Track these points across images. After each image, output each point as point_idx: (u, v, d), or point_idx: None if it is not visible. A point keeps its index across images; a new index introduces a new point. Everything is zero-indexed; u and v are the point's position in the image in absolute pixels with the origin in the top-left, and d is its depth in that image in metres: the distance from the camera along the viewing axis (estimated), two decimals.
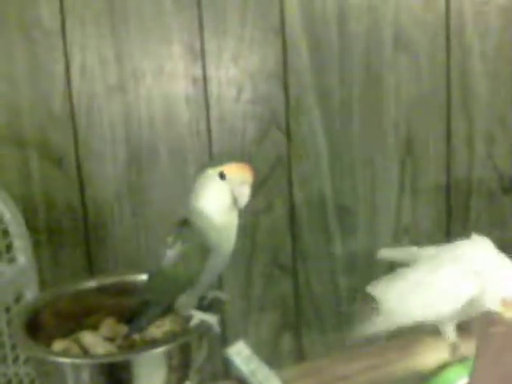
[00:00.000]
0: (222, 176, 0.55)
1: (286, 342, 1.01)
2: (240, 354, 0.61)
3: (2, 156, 0.93)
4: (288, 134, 0.95)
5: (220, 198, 0.55)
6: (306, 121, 0.95)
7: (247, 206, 0.57)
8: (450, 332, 0.70)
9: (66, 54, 0.91)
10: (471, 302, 0.66)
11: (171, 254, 0.54)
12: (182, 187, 0.95)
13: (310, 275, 0.99)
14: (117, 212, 0.95)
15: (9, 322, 0.83)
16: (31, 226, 0.85)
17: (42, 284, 0.84)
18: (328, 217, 0.98)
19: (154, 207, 0.95)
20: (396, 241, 0.99)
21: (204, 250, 0.54)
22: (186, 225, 0.55)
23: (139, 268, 0.87)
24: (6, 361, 0.85)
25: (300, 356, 1.01)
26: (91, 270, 0.95)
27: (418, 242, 0.98)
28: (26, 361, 0.86)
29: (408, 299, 0.72)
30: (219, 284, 0.93)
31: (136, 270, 0.63)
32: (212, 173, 0.55)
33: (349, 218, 0.98)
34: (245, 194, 0.55)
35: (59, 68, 0.91)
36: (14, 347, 0.85)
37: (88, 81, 0.92)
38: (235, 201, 0.55)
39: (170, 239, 0.55)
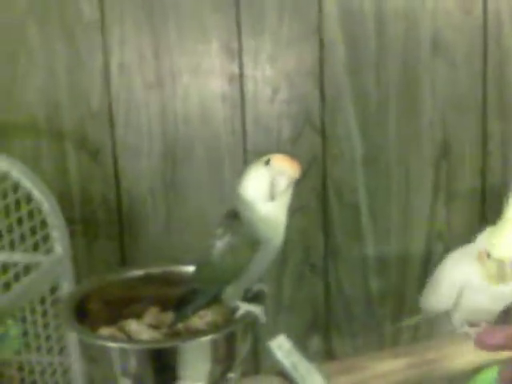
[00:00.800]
0: (266, 162, 0.55)
1: (315, 342, 1.00)
2: (281, 347, 0.60)
3: (40, 148, 0.93)
4: (323, 134, 0.95)
5: (259, 184, 0.54)
6: (342, 121, 0.95)
7: (289, 203, 0.57)
8: (457, 322, 0.74)
9: (105, 50, 0.92)
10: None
11: (220, 245, 0.54)
12: (215, 184, 0.95)
13: (342, 276, 0.98)
14: (151, 206, 0.95)
15: (44, 313, 0.83)
16: (67, 218, 0.85)
17: (77, 275, 0.84)
18: (361, 217, 0.97)
19: (187, 203, 0.95)
20: (429, 244, 0.98)
21: (252, 242, 0.53)
22: (235, 216, 0.54)
23: (171, 261, 0.88)
24: (41, 350, 0.85)
25: (329, 357, 1.00)
26: (124, 261, 0.95)
27: (451, 245, 0.98)
28: (61, 350, 0.86)
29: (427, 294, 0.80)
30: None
31: (180, 261, 0.62)
32: (261, 160, 0.55)
33: (382, 220, 0.97)
34: (281, 184, 0.54)
35: (98, 64, 0.91)
36: (48, 338, 0.85)
37: (126, 77, 0.92)
38: (273, 190, 0.54)
39: (219, 230, 0.55)
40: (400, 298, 1.00)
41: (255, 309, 0.55)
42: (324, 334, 1.00)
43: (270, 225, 0.55)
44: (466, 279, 0.72)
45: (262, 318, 0.54)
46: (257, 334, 0.58)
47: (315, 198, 0.96)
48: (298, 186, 0.94)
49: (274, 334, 0.66)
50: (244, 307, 0.55)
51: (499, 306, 0.72)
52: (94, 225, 0.94)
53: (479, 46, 0.94)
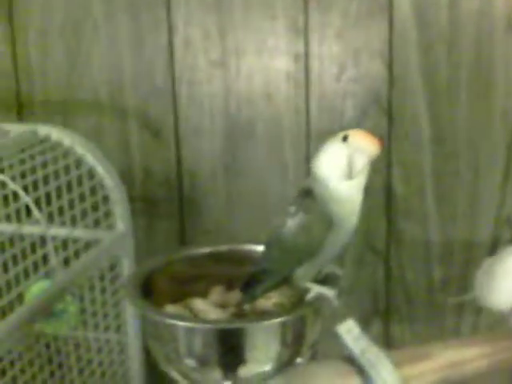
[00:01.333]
0: (344, 139, 0.52)
1: (375, 327, 0.97)
2: (350, 332, 0.58)
3: (103, 125, 0.93)
4: (390, 115, 0.91)
5: (336, 161, 0.51)
6: (410, 102, 0.91)
7: (365, 181, 0.54)
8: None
9: (169, 27, 0.90)
10: None
11: (292, 224, 0.51)
12: (277, 165, 0.92)
13: (404, 261, 0.95)
14: (211, 186, 0.93)
15: (103, 290, 0.83)
16: (128, 195, 0.84)
17: (136, 253, 0.83)
18: (426, 202, 0.93)
19: (248, 183, 0.93)
20: (496, 230, 0.93)
21: (326, 221, 0.51)
22: (309, 194, 0.52)
23: (231, 240, 0.86)
24: (98, 328, 0.85)
25: (388, 343, 0.97)
26: (184, 241, 0.94)
27: None
28: (118, 328, 0.85)
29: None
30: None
31: (248, 239, 0.60)
32: (337, 136, 0.52)
33: (448, 204, 0.93)
34: (359, 162, 0.51)
35: (163, 41, 0.90)
36: (105, 315, 0.84)
37: (190, 54, 0.91)
38: (350, 168, 0.51)
39: (292, 208, 0.52)
40: (463, 286, 0.95)
41: (328, 291, 0.52)
42: (384, 319, 0.97)
43: (345, 205, 0.52)
44: None
45: (335, 302, 0.52)
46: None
47: (379, 179, 0.92)
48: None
49: (340, 318, 0.64)
50: (316, 289, 0.52)
51: None
52: (155, 203, 0.93)
53: None
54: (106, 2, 0.89)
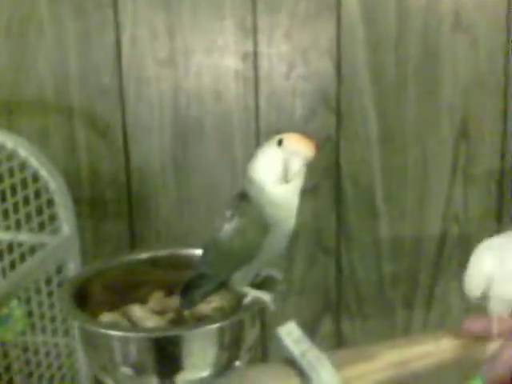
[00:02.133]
0: (279, 143, 0.51)
1: (326, 325, 0.97)
2: (290, 334, 0.57)
3: (49, 125, 0.90)
4: (338, 113, 0.91)
5: (271, 166, 0.50)
6: (358, 99, 0.90)
7: (301, 184, 0.53)
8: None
9: (116, 26, 0.88)
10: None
11: (228, 228, 0.50)
12: (227, 162, 0.91)
13: (354, 258, 0.95)
14: (161, 185, 0.92)
15: (49, 294, 0.81)
16: (75, 197, 0.82)
17: (84, 256, 0.81)
18: (375, 199, 0.93)
19: (198, 181, 0.92)
20: (444, 226, 0.94)
21: (262, 225, 0.50)
22: (245, 198, 0.51)
23: (183, 242, 0.84)
24: (46, 332, 0.83)
25: (339, 340, 0.97)
26: (133, 242, 0.92)
27: (467, 228, 0.94)
28: (66, 333, 0.84)
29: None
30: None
31: (187, 243, 0.59)
32: (273, 140, 0.51)
33: (397, 201, 0.93)
34: (295, 166, 0.50)
35: (110, 39, 0.88)
36: (53, 319, 0.83)
37: (138, 53, 0.89)
38: (286, 172, 0.50)
39: (227, 212, 0.51)
40: (413, 281, 0.96)
41: (264, 296, 0.51)
42: (335, 317, 0.97)
43: (281, 208, 0.51)
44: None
45: (271, 306, 0.51)
46: (265, 319, 0.55)
47: (328, 178, 0.92)
48: (311, 165, 0.92)
49: (284, 318, 0.63)
50: (252, 293, 0.51)
51: None
52: (103, 204, 0.91)
53: (502, 22, 0.89)
54: (52, 1, 0.87)
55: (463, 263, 0.65)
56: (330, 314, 0.97)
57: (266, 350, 0.94)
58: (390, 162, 0.92)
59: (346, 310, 0.97)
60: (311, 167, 0.88)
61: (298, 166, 0.50)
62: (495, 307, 0.65)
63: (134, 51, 0.89)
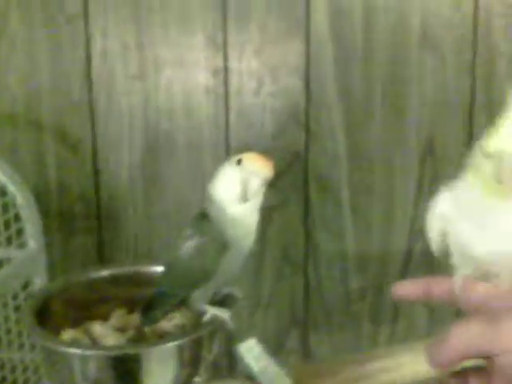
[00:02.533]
0: (238, 162, 0.53)
1: (294, 339, 0.99)
2: (251, 351, 0.59)
3: (17, 139, 0.91)
4: (307, 129, 0.93)
5: (231, 185, 0.52)
6: (326, 116, 0.93)
7: (261, 203, 0.55)
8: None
9: (87, 40, 0.89)
10: None
11: (188, 246, 0.52)
12: (197, 178, 0.93)
13: (321, 273, 0.97)
14: (130, 200, 0.93)
15: (16, 309, 0.81)
16: (43, 211, 0.83)
17: (52, 271, 0.82)
18: (343, 215, 0.95)
19: (168, 197, 0.93)
20: (410, 242, 0.96)
21: (220, 244, 0.51)
22: (205, 217, 0.52)
23: (151, 258, 0.86)
24: (12, 347, 0.83)
25: (306, 354, 0.99)
26: (102, 258, 0.93)
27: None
28: (32, 348, 0.84)
29: None
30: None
31: (149, 260, 0.60)
32: (232, 159, 0.53)
33: (364, 216, 0.95)
34: (254, 185, 0.52)
35: (80, 53, 0.89)
36: (20, 334, 0.83)
37: (108, 67, 0.90)
38: (245, 191, 0.52)
39: (187, 231, 0.52)
40: (379, 295, 0.98)
41: (223, 313, 0.53)
42: (302, 331, 0.98)
43: (240, 227, 0.53)
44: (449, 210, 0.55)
45: (230, 323, 0.53)
46: (231, 335, 0.56)
47: (296, 194, 0.94)
48: (280, 181, 0.94)
49: (248, 334, 0.65)
50: (211, 311, 0.53)
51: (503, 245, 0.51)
52: (72, 219, 0.92)
53: (468, 41, 0.91)
54: (22, 13, 0.88)
55: None
56: (298, 329, 0.98)
57: (234, 366, 0.95)
58: (357, 177, 0.94)
59: (313, 324, 0.98)
60: (281, 183, 0.92)
61: (256, 186, 0.52)
62: (457, 263, 0.56)
63: (104, 65, 0.90)
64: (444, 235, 0.57)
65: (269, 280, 0.96)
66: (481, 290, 0.51)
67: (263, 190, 0.53)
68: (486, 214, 0.50)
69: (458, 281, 0.53)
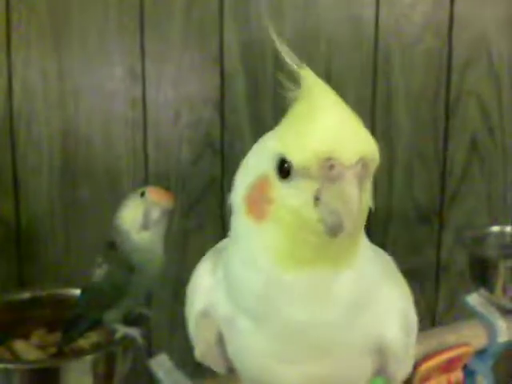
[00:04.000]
0: (142, 194, 0.62)
1: None
2: (162, 366, 0.68)
3: None
4: (222, 157, 1.03)
5: (133, 215, 0.62)
6: (240, 143, 1.03)
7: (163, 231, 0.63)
8: None
9: (9, 70, 0.96)
10: None
11: (99, 272, 0.61)
12: (115, 205, 1.00)
13: None
14: (49, 226, 0.99)
15: None
16: None
17: None
18: None
19: (87, 223, 1.00)
20: None
21: (127, 270, 0.61)
22: (112, 246, 0.62)
23: (69, 282, 0.93)
24: None
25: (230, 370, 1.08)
26: (22, 282, 0.99)
27: None
28: None
29: None
30: (148, 301, 1.00)
31: (67, 284, 0.69)
32: (136, 192, 0.63)
33: None
34: (153, 215, 0.62)
35: (2, 82, 0.95)
36: None
37: (29, 96, 0.97)
38: (146, 220, 0.62)
39: (98, 259, 0.62)
40: None
41: (132, 331, 0.62)
42: None
43: (144, 253, 0.62)
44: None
45: (139, 340, 0.62)
46: (139, 353, 0.65)
47: (213, 218, 1.04)
48: (197, 206, 1.04)
49: (169, 350, 0.73)
50: (122, 330, 0.62)
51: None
52: None
53: (368, 82, 1.04)
54: None
55: None
56: None
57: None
58: None
59: None
60: (199, 207, 1.01)
61: (157, 215, 0.62)
62: None
63: (25, 94, 0.97)
64: None
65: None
66: None
67: (164, 219, 0.63)
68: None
69: None
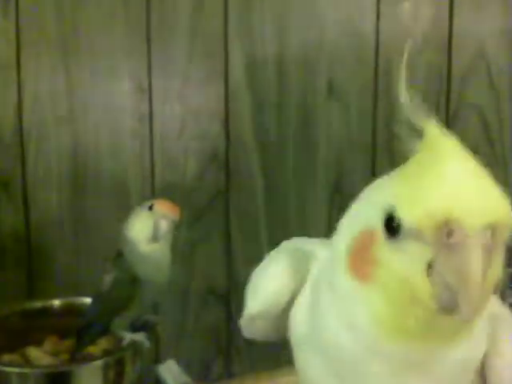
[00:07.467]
0: (150, 207, 0.67)
1: (218, 367, 1.11)
2: (170, 371, 0.71)
3: None
4: (227, 169, 1.07)
5: (143, 227, 0.66)
6: (244, 156, 1.07)
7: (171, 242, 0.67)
8: None
9: (19, 85, 1.00)
10: None
11: (107, 279, 0.65)
12: (123, 216, 1.04)
13: (242, 303, 1.09)
14: (59, 237, 1.03)
15: None
16: None
17: None
18: (261, 247, 1.09)
19: (95, 235, 1.03)
20: None
21: (133, 279, 0.65)
22: (120, 255, 0.66)
23: (77, 291, 0.97)
24: None
25: (230, 381, 1.12)
26: (32, 293, 1.03)
27: None
28: None
29: None
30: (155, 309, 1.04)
31: (77, 293, 0.73)
32: (144, 205, 0.67)
33: None
34: (162, 227, 0.66)
35: (12, 98, 0.99)
36: None
37: (39, 111, 1.01)
38: (156, 233, 0.66)
39: (108, 266, 0.66)
40: None
41: (139, 337, 0.66)
42: (226, 359, 1.12)
43: (151, 264, 0.66)
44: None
45: (146, 344, 0.66)
46: (147, 359, 0.69)
47: (218, 229, 1.08)
48: (203, 217, 1.08)
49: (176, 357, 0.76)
50: (129, 336, 0.66)
51: None
52: (3, 254, 1.03)
53: (370, 94, 1.08)
54: None
55: None
56: (222, 356, 1.11)
57: None
58: (273, 212, 1.09)
59: (236, 353, 1.12)
60: (204, 219, 1.05)
61: (165, 227, 0.66)
62: None
63: (35, 109, 1.02)
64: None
65: (194, 311, 1.09)
66: None
67: (172, 231, 0.67)
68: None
69: None
